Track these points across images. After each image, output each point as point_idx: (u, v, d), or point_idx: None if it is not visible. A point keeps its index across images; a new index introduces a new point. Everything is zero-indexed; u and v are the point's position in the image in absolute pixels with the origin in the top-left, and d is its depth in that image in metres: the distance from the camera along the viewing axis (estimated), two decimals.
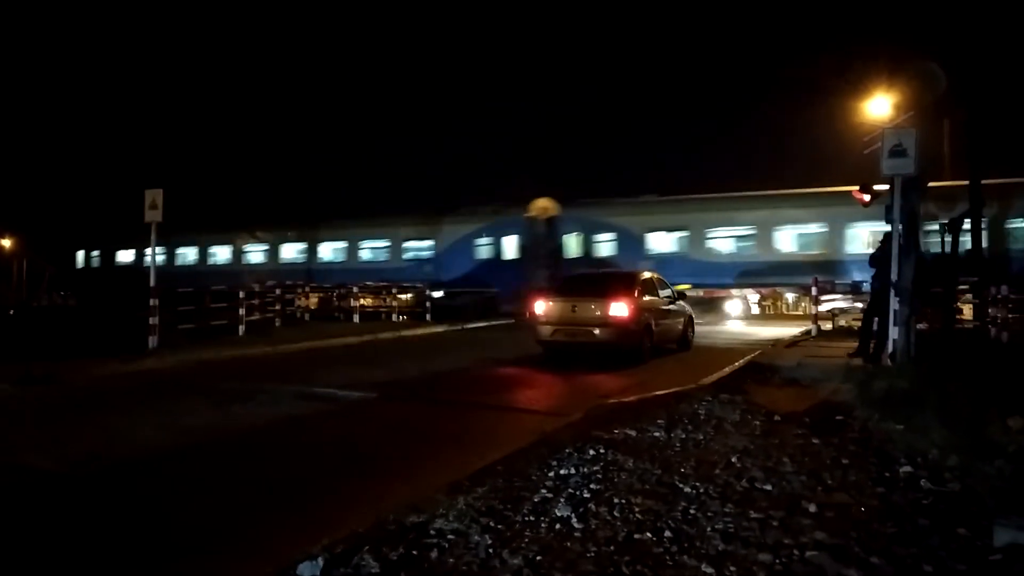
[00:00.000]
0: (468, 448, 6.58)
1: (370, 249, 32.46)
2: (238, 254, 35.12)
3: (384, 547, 3.81)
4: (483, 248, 29.55)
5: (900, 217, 9.78)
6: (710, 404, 7.82)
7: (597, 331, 12.72)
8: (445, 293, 27.44)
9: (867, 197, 14.23)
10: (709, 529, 4.11)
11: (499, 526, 4.16)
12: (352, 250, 32.59)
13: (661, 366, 12.63)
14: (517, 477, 5.12)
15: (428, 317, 24.18)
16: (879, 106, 18.45)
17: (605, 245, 27.08)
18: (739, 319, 24.21)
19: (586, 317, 12.93)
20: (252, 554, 4.22)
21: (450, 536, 3.99)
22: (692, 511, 4.41)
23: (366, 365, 12.95)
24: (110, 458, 6.40)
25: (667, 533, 4.04)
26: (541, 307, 13.64)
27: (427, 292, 25.00)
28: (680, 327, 15.16)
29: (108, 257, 38.93)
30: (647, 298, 13.68)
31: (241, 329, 17.46)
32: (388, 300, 25.75)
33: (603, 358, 12.68)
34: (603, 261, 25.94)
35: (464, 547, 3.84)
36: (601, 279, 15.00)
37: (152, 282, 14.38)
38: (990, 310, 14.61)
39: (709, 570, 3.56)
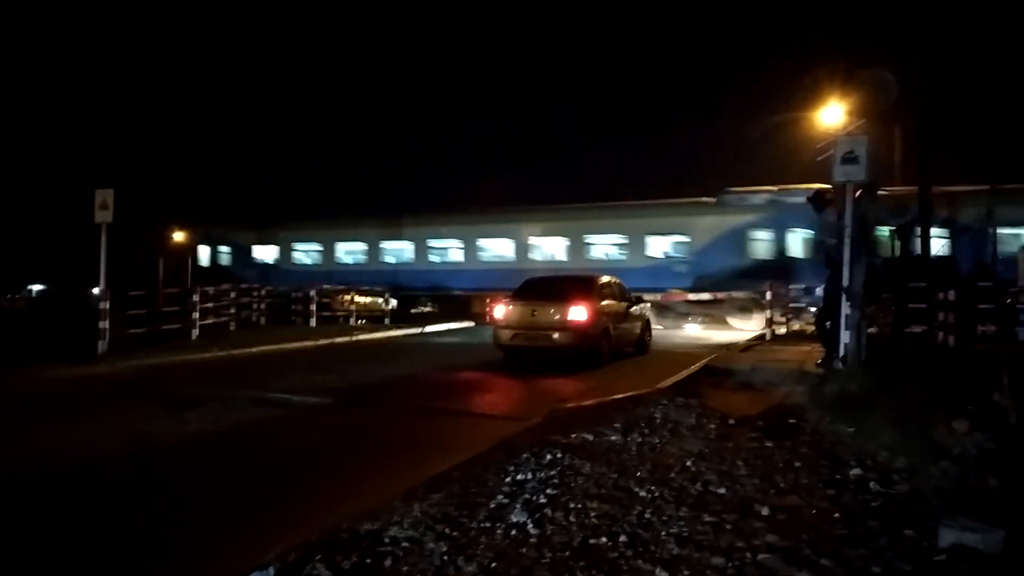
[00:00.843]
0: (425, 454, 6.53)
1: (609, 246, 27.13)
2: (376, 252, 29.96)
3: (337, 555, 3.75)
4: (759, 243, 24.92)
5: (851, 223, 9.97)
6: (666, 408, 7.89)
7: (556, 335, 12.76)
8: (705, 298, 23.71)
9: (820, 203, 14.48)
10: (664, 533, 4.13)
11: (454, 533, 4.12)
12: (577, 248, 27.19)
13: (619, 370, 12.70)
14: (473, 483, 5.09)
15: (387, 321, 24.01)
16: (832, 114, 18.87)
17: None
18: (696, 323, 24.48)
19: (545, 321, 12.95)
20: (203, 563, 4.13)
21: (404, 544, 3.94)
22: (647, 515, 4.43)
23: (322, 370, 12.80)
24: (55, 465, 6.22)
25: (622, 537, 4.05)
26: (500, 311, 13.64)
27: (386, 295, 24.80)
28: (638, 331, 15.28)
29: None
30: (606, 302, 13.76)
31: (194, 333, 17.14)
32: (347, 304, 25.48)
33: (562, 362, 12.71)
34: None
35: (418, 555, 3.80)
36: (560, 283, 15.05)
37: (102, 284, 14.03)
38: (938, 314, 15.00)
39: (663, 574, 3.58)
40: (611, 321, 13.65)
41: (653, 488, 4.97)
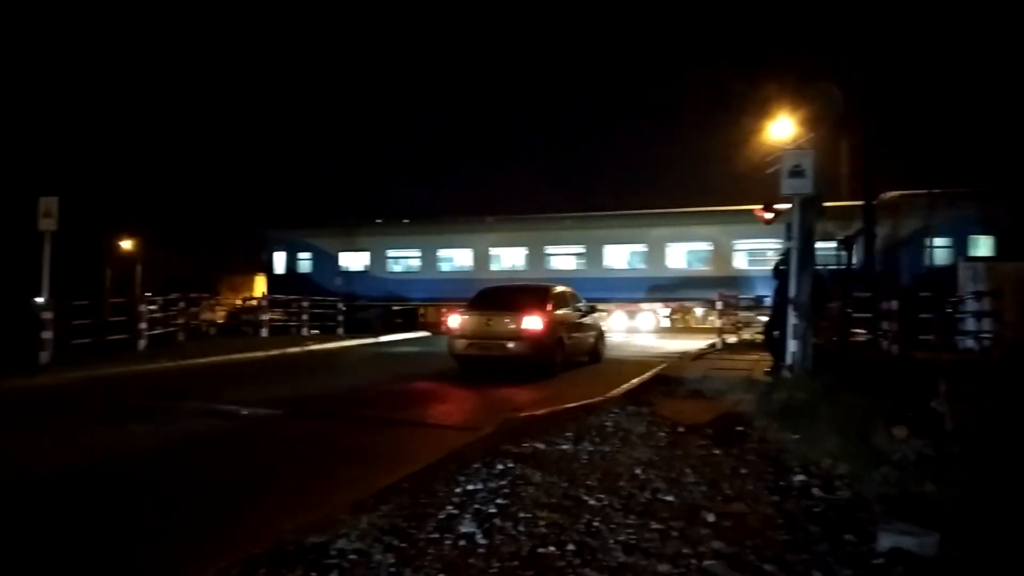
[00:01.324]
0: (375, 465, 6.48)
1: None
2: (483, 257, 28.15)
3: (282, 569, 3.70)
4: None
5: (798, 234, 10.21)
6: (618, 416, 7.96)
7: (510, 344, 12.78)
8: None
9: (769, 215, 14.80)
10: (612, 541, 4.16)
11: (403, 544, 4.10)
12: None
13: (573, 379, 12.77)
14: (423, 494, 5.06)
15: (340, 331, 23.78)
16: (781, 127, 19.29)
17: None
18: (650, 332, 24.77)
19: (500, 331, 12.97)
20: None
21: (351, 556, 3.91)
22: (596, 523, 4.46)
23: (272, 381, 12.62)
24: None
25: (570, 546, 4.07)
26: (455, 321, 13.63)
27: (339, 305, 24.58)
28: (592, 340, 15.39)
29: None
30: (560, 312, 13.84)
31: (142, 343, 16.75)
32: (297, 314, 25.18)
33: (516, 371, 12.73)
34: None
35: (365, 567, 3.77)
36: (515, 293, 15.09)
37: (45, 293, 13.64)
38: (881, 323, 15.40)
39: None
40: (565, 330, 13.74)
41: (602, 496, 5.01)
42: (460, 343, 13.30)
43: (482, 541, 4.16)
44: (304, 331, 23.67)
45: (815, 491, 5.15)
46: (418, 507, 4.77)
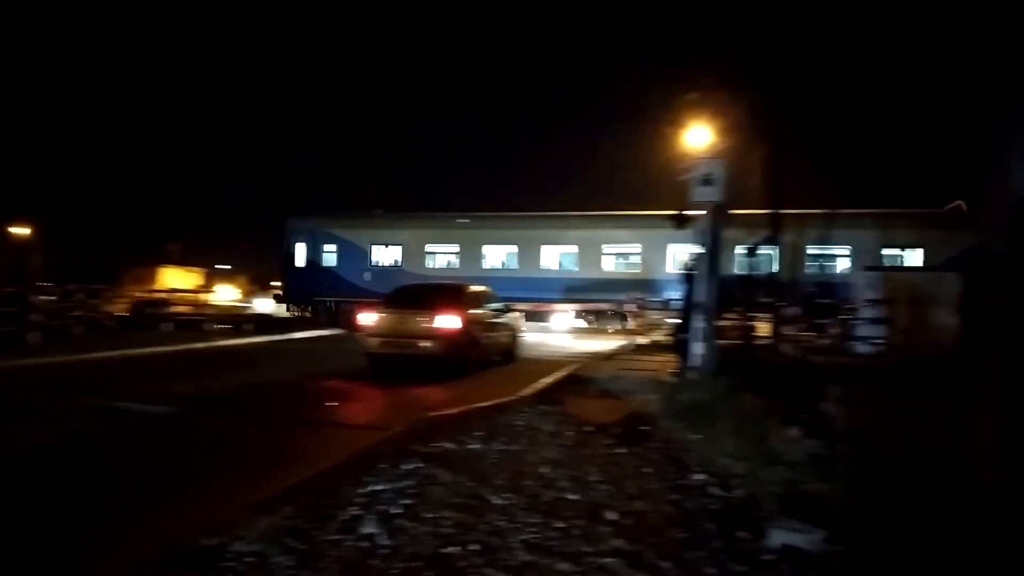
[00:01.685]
0: (280, 465, 6.32)
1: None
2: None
3: (172, 573, 3.57)
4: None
5: (706, 241, 10.52)
6: (528, 416, 8.02)
7: (424, 343, 12.71)
8: None
9: (680, 221, 15.19)
10: (515, 540, 4.19)
11: (303, 546, 4.02)
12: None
13: (486, 378, 12.79)
14: (328, 494, 4.98)
15: (249, 327, 23.15)
16: (696, 135, 19.84)
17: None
18: (565, 333, 25.06)
19: (414, 329, 12.88)
20: None
21: (248, 559, 3.81)
22: (501, 523, 4.48)
23: (176, 377, 12.16)
24: None
25: (474, 546, 4.08)
26: (369, 319, 13.46)
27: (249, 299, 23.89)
28: (506, 340, 15.46)
29: None
30: (474, 311, 13.84)
31: (34, 336, 15.88)
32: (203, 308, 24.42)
33: (430, 370, 12.67)
34: None
35: (262, 570, 3.68)
36: (430, 291, 15.01)
37: None
38: (782, 328, 16.06)
39: None
40: (480, 330, 13.75)
41: (509, 496, 5.04)
42: (374, 341, 13.14)
43: (385, 542, 4.13)
44: (212, 326, 22.94)
45: (713, 490, 5.32)
46: (321, 508, 4.69)
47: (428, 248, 27.83)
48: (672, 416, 7.82)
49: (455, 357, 12.84)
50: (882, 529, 4.40)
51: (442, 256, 27.74)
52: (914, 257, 22.49)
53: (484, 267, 26.65)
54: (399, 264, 27.89)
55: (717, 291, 10.40)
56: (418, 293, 14.84)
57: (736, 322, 14.40)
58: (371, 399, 10.92)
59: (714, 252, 10.60)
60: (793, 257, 22.33)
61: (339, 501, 4.83)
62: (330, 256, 28.54)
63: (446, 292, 14.42)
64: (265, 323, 23.67)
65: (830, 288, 20.05)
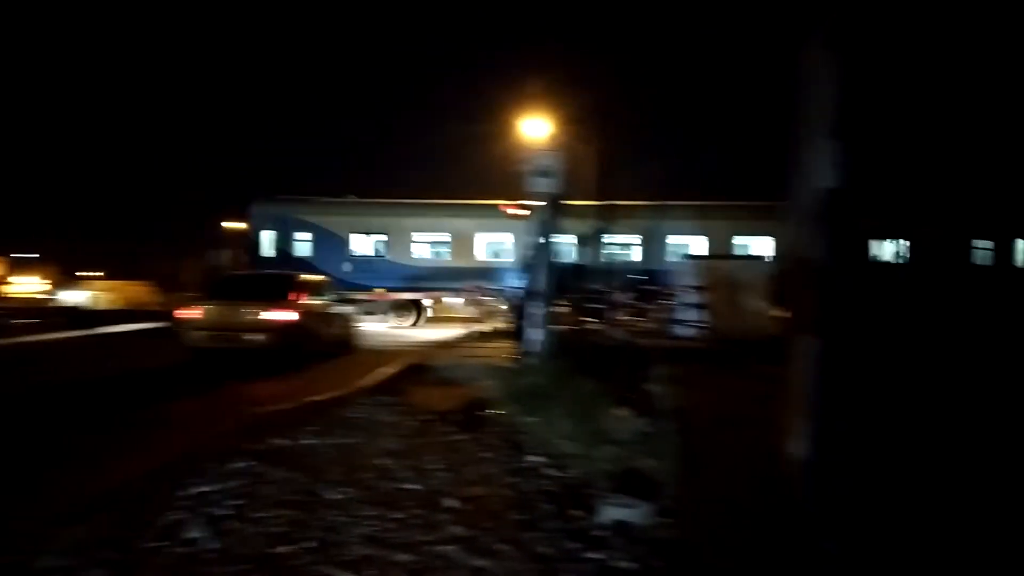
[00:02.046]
0: (93, 471, 5.84)
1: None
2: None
3: None
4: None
5: (543, 231, 10.79)
6: (367, 407, 7.88)
7: (254, 336, 12.17)
8: None
9: (516, 211, 15.51)
10: (352, 534, 4.10)
11: (119, 556, 3.72)
12: None
13: (322, 371, 12.45)
14: (146, 500, 4.64)
15: (60, 320, 21.20)
16: (533, 128, 20.25)
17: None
18: (411, 322, 24.87)
19: (243, 321, 12.30)
20: None
21: (56, 575, 3.47)
22: (337, 517, 4.37)
23: None
24: None
25: (309, 543, 3.95)
26: (193, 311, 12.70)
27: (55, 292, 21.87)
28: (342, 330, 15.13)
29: None
30: (307, 301, 13.41)
31: None
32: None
33: (261, 364, 12.14)
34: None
35: None
36: (259, 281, 14.40)
37: None
38: (613, 314, 16.77)
39: None
40: (314, 320, 13.35)
41: (346, 489, 4.92)
42: (198, 335, 12.42)
43: (212, 545, 3.91)
44: (7, 320, 20.74)
45: (549, 471, 5.47)
46: (140, 514, 4.36)
47: (416, 237, 26.47)
48: (511, 401, 7.95)
49: (288, 350, 12.39)
50: (704, 499, 4.70)
51: (432, 245, 26.29)
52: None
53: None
54: (382, 254, 26.43)
55: (552, 279, 10.70)
56: (247, 283, 14.20)
57: (570, 308, 14.88)
58: (196, 397, 10.31)
59: (550, 242, 10.89)
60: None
61: (160, 506, 4.52)
62: (303, 245, 26.32)
63: (277, 281, 13.88)
64: (79, 317, 21.74)
65: (658, 276, 21.17)
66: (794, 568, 3.59)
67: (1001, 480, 4.60)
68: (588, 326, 14.68)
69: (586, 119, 18.51)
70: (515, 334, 12.58)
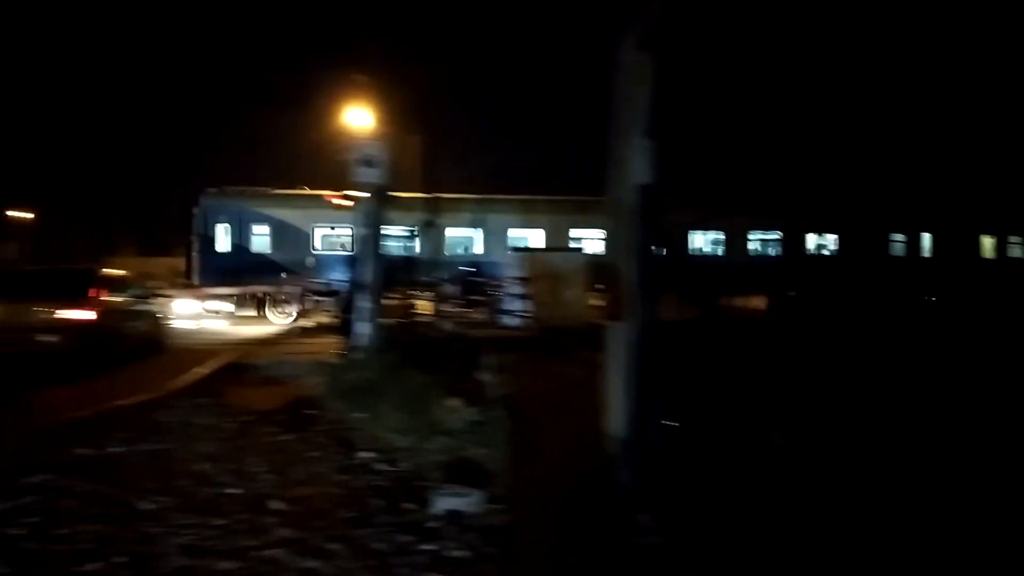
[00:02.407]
0: None
1: None
2: None
3: None
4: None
5: (369, 222, 10.62)
6: (181, 410, 7.42)
7: (48, 337, 11.02)
8: None
9: (346, 202, 15.16)
10: (169, 545, 3.85)
11: None
12: None
13: (130, 373, 11.51)
14: None
15: None
16: (358, 118, 19.83)
17: None
18: (221, 318, 23.59)
19: (34, 321, 11.11)
20: None
21: None
22: (151, 528, 4.08)
23: None
24: None
25: (120, 558, 3.67)
26: None
27: None
28: (151, 329, 14.09)
29: None
30: (109, 298, 12.34)
31: None
32: None
33: (58, 369, 11.04)
34: None
35: None
36: (52, 277, 13.09)
37: None
38: (442, 305, 16.86)
39: None
40: (117, 319, 12.31)
41: (160, 499, 4.61)
42: None
43: (3, 571, 3.52)
44: None
45: (380, 466, 5.42)
46: None
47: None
48: (338, 397, 7.78)
49: (88, 351, 11.34)
50: (532, 484, 4.84)
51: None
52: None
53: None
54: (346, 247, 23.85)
55: (380, 271, 10.57)
56: (39, 279, 12.85)
57: (399, 301, 14.79)
58: None
59: (376, 233, 10.74)
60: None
61: None
62: (262, 240, 23.97)
63: (75, 277, 12.65)
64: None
65: (485, 267, 21.49)
66: (611, 541, 3.78)
67: (808, 453, 5.09)
68: (418, 318, 14.67)
69: (412, 110, 18.46)
70: (341, 328, 12.30)
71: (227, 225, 23.66)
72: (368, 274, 10.37)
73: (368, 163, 10.63)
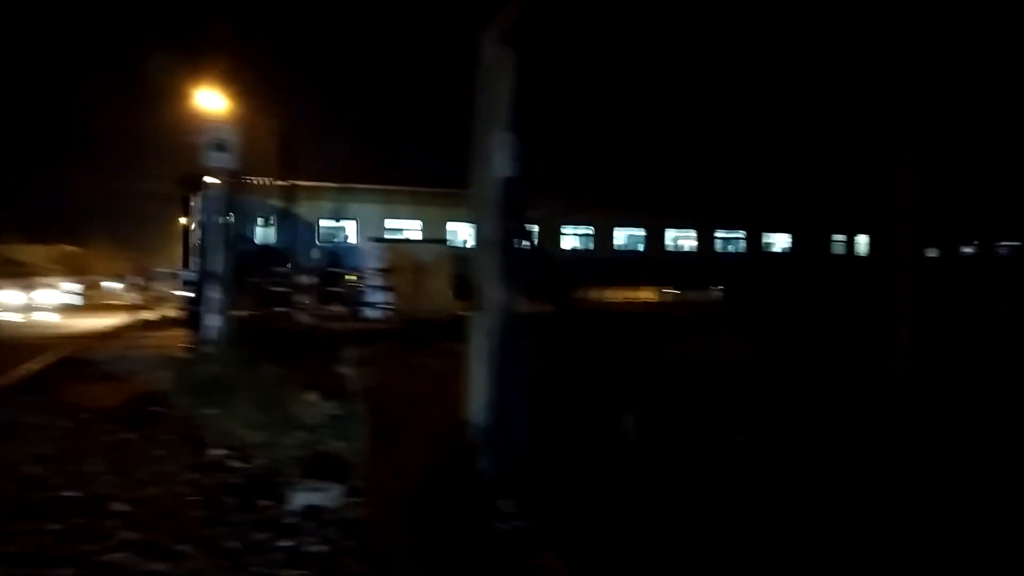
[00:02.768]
0: None
1: None
2: None
3: None
4: None
5: (220, 209, 10.16)
6: (8, 410, 6.82)
7: None
8: None
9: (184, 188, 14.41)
10: None
11: None
12: None
13: None
14: None
15: None
16: (209, 100, 18.85)
17: None
18: (53, 311, 21.85)
19: None
20: None
21: None
22: None
23: None
24: None
25: None
26: None
27: None
28: None
29: None
30: None
31: None
32: None
33: None
34: None
35: None
36: None
37: None
38: (299, 297, 16.38)
39: None
40: None
41: None
42: None
43: None
44: None
45: (233, 463, 5.22)
46: None
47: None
48: (187, 393, 7.41)
49: None
50: (393, 475, 4.82)
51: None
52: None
53: None
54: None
55: (231, 261, 10.14)
56: None
57: (253, 292, 14.25)
58: None
59: (229, 221, 10.30)
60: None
61: None
62: (266, 231, 22.81)
63: None
64: None
65: (345, 257, 21.06)
66: (471, 527, 3.83)
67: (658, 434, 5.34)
68: (274, 311, 14.20)
69: (270, 94, 17.79)
70: (189, 321, 11.70)
71: None
72: (219, 264, 9.92)
73: (219, 147, 10.17)
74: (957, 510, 3.90)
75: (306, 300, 15.83)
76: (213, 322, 9.82)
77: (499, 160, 4.51)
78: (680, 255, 26.54)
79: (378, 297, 16.06)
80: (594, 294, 23.67)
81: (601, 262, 24.43)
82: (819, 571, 3.41)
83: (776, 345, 9.40)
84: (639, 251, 26.23)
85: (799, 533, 3.65)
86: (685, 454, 4.82)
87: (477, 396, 4.48)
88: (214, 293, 9.84)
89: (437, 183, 24.44)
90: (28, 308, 21.83)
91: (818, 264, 27.20)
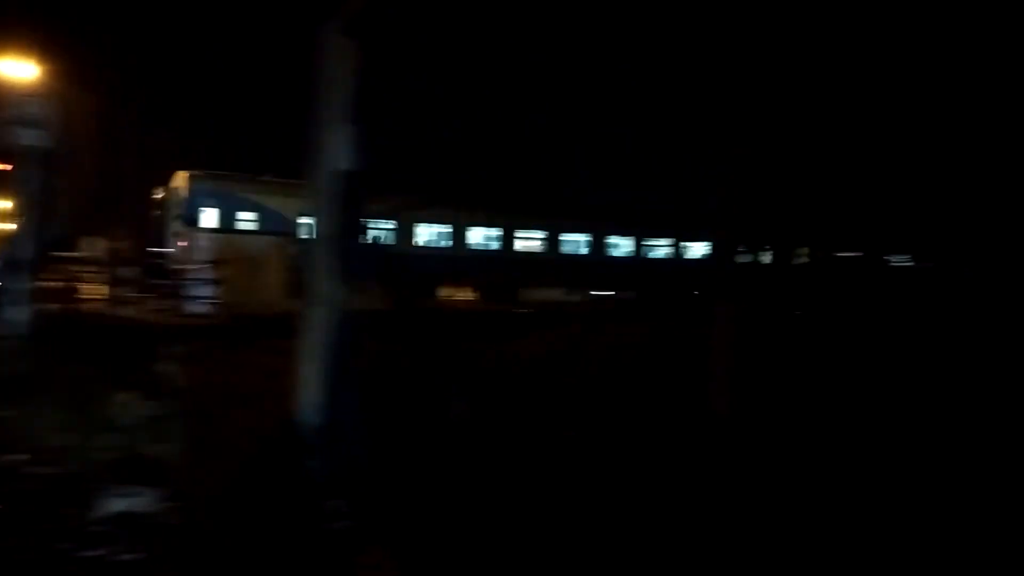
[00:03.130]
0: None
1: None
2: None
3: None
4: None
5: (33, 191, 9.31)
6: None
7: None
8: None
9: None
10: None
11: None
12: None
13: None
14: None
15: None
16: (17, 69, 17.07)
17: None
18: None
19: None
20: None
21: None
22: None
23: None
24: None
25: None
26: None
27: None
28: None
29: None
30: None
31: None
32: None
33: None
34: None
35: None
36: None
37: None
38: (118, 290, 15.22)
39: None
40: None
41: None
42: None
43: None
44: None
45: (34, 469, 4.77)
46: None
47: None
48: None
49: None
50: (216, 478, 4.59)
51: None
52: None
53: None
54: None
55: (39, 247, 9.29)
56: None
57: (61, 283, 13.10)
58: None
59: (40, 203, 9.44)
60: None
61: None
62: (249, 223, 22.17)
63: None
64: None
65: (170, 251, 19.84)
66: (299, 529, 3.73)
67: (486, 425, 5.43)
68: (88, 303, 13.13)
69: (93, 71, 16.44)
70: None
71: None
72: (27, 251, 9.04)
73: (28, 122, 9.29)
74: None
75: (125, 292, 14.78)
76: (15, 315, 8.94)
77: (338, 152, 4.41)
78: (531, 255, 26.98)
79: (204, 291, 15.20)
80: (446, 292, 23.77)
81: (456, 260, 24.54)
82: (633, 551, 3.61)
83: (617, 342, 9.87)
84: (494, 249, 26.41)
85: (625, 518, 3.85)
86: (516, 448, 4.95)
87: (308, 394, 4.36)
88: (17, 283, 8.96)
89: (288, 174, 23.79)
90: None
91: (658, 268, 28.57)
